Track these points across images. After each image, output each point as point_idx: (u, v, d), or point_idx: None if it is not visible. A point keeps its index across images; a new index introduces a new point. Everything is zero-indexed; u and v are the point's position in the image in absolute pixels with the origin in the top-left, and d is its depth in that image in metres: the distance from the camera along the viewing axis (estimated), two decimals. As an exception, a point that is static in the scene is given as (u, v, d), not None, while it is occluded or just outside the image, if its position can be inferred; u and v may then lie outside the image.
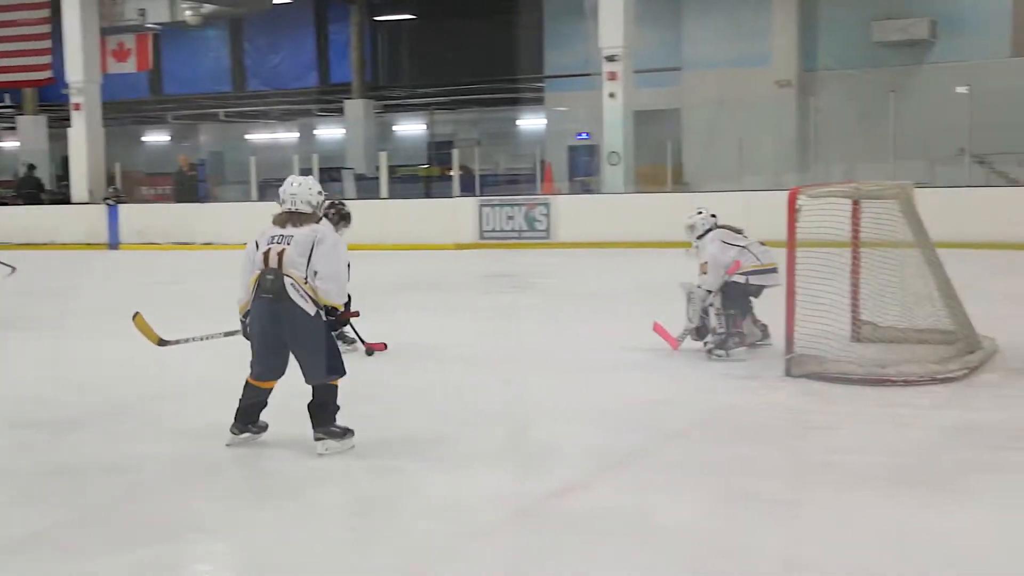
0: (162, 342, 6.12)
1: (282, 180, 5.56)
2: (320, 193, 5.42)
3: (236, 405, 5.43)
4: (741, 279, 7.68)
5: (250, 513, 4.55)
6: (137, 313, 6.11)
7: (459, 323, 10.02)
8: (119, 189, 21.91)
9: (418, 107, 29.99)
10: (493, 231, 18.77)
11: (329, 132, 30.95)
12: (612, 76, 19.12)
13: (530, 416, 6.23)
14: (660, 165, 19.83)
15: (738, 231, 7.92)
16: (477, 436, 5.71)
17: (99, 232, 21.19)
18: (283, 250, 5.22)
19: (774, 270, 7.65)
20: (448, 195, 20.51)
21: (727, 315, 7.69)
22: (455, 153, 21.24)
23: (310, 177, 5.58)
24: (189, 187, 22.58)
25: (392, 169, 21.70)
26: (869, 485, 4.66)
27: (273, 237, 5.28)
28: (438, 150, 26.17)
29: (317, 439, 5.28)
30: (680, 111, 23.38)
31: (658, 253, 15.38)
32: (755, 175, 18.40)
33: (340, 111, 29.22)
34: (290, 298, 5.17)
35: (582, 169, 22.64)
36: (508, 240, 18.55)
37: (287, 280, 5.18)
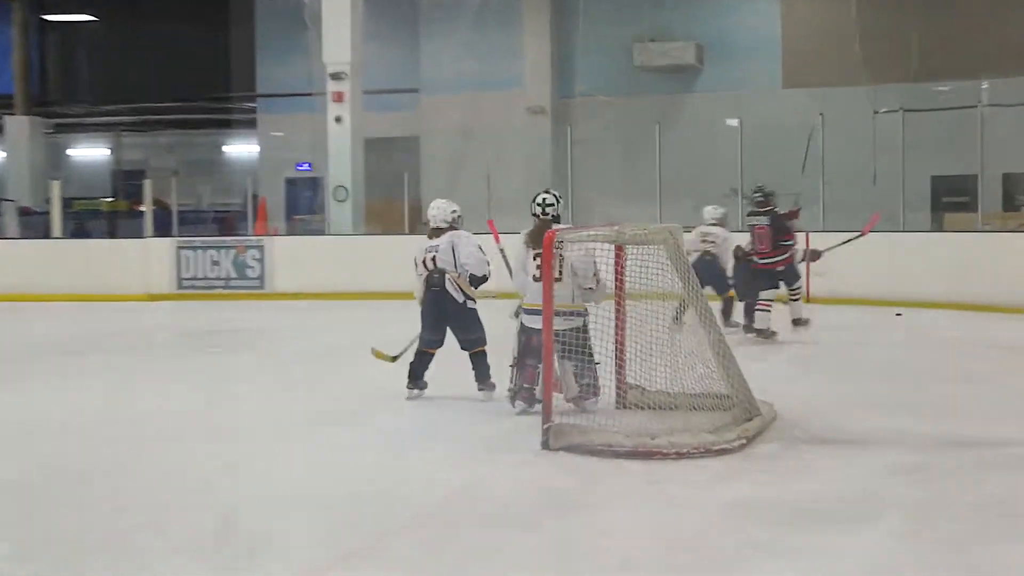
0: (395, 358, 9.16)
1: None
2: (454, 212, 8.75)
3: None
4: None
5: None
6: (373, 349, 9.28)
7: (153, 391, 9.68)
8: None
9: (101, 127, 29.06)
10: (194, 279, 18.33)
11: (-17, 155, 29.50)
12: (338, 97, 19.16)
13: (240, 502, 6.03)
14: (395, 201, 19.96)
15: None
16: (177, 526, 5.48)
17: None
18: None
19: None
20: (139, 235, 19.83)
21: (515, 367, 8.05)
22: (147, 184, 20.55)
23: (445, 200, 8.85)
24: None
25: (67, 202, 20.92)
26: (638, 574, 4.72)
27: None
28: (126, 180, 25.46)
29: (480, 390, 8.60)
30: (419, 139, 23.68)
31: (394, 305, 15.42)
32: (505, 214, 18.81)
33: (-1, 129, 27.94)
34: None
35: (303, 206, 22.54)
36: (213, 290, 18.20)
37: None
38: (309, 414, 8.49)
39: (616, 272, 7.92)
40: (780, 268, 11.95)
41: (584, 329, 8.01)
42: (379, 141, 21.03)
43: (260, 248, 18.35)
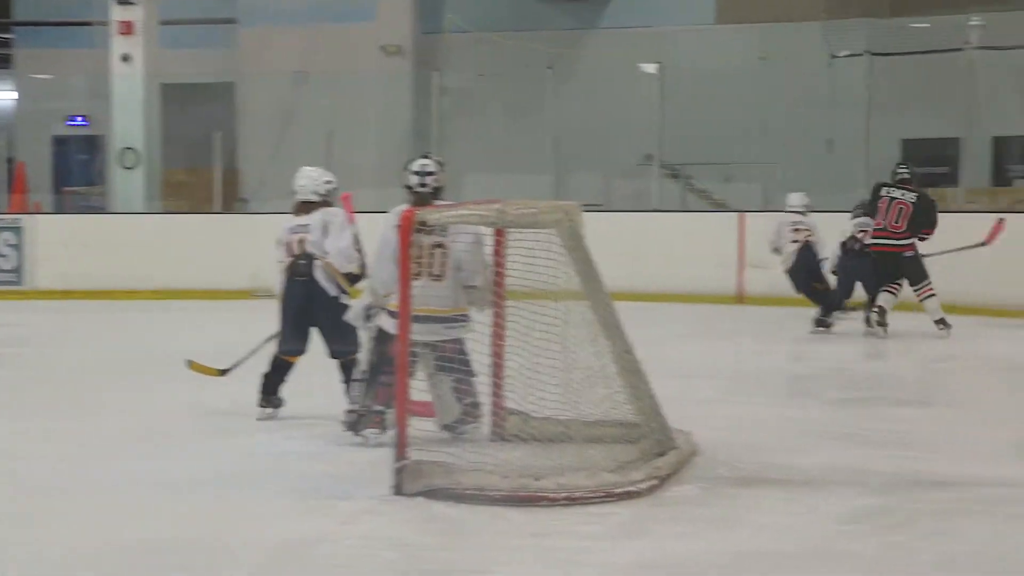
0: (223, 371, 9.50)
1: None
2: (328, 182, 9.13)
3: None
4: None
5: None
6: (190, 362, 9.49)
7: None
8: None
9: None
10: (-74, 270, 18.02)
11: None
12: (125, 28, 19.01)
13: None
14: (204, 170, 19.82)
15: None
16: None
17: None
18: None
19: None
20: None
21: (364, 383, 8.17)
22: None
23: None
24: None
25: None
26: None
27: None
28: None
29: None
30: (234, 86, 23.51)
31: (203, 307, 15.30)
32: (352, 186, 18.80)
33: None
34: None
35: (77, 174, 22.23)
36: (-51, 285, 17.92)
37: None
38: (98, 446, 8.55)
39: (495, 264, 8.02)
40: (908, 255, 13.59)
41: (464, 338, 8.16)
42: (181, 88, 20.90)
43: (16, 230, 18.16)
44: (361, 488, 7.21)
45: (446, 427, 8.09)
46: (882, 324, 13.50)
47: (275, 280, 9.07)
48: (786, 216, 14.51)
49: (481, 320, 8.04)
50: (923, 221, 13.64)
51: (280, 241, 8.98)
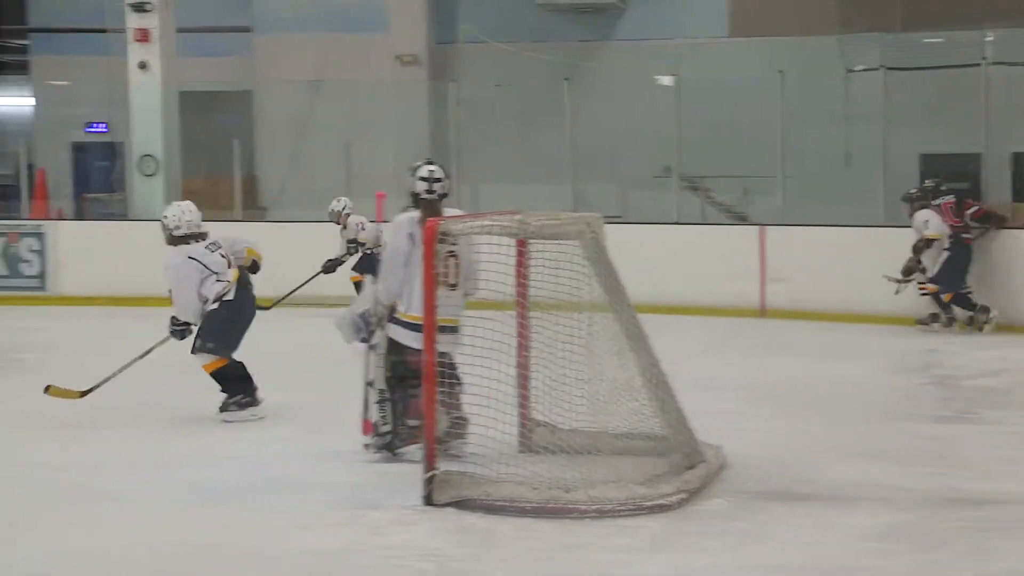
0: (83, 393, 9.77)
1: None
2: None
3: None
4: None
5: None
6: (48, 386, 9.74)
7: None
8: None
9: None
10: (-53, 276, 18.05)
11: None
12: (143, 35, 18.97)
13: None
14: (222, 178, 19.83)
15: None
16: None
17: None
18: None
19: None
20: None
21: (388, 401, 8.06)
22: None
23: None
24: None
25: None
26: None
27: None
28: None
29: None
30: (252, 94, 23.52)
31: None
32: (370, 195, 18.79)
33: None
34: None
35: (97, 180, 22.23)
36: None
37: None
38: (134, 453, 8.65)
39: (517, 275, 7.99)
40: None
41: None
42: (199, 96, 20.87)
43: (39, 236, 18.12)
44: (391, 498, 7.23)
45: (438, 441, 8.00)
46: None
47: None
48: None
49: (505, 331, 7.95)
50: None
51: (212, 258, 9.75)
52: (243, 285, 9.81)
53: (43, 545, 6.58)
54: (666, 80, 19.23)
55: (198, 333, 9.65)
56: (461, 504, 6.96)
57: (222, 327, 9.66)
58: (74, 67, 23.96)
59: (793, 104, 18.11)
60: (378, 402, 8.16)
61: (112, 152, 22.09)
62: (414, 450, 7.83)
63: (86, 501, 7.44)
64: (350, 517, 6.99)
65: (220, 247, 9.80)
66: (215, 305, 9.60)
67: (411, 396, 7.99)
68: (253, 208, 20.96)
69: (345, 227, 14.69)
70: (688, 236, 16.60)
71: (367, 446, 8.17)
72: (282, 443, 8.83)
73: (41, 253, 17.98)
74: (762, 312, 14.01)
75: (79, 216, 20.91)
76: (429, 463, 7.10)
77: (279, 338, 12.60)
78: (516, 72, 22.09)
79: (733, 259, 15.67)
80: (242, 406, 9.63)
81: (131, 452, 8.76)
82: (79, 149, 23.38)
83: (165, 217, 9.89)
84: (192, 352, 9.68)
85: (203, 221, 9.86)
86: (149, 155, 18.93)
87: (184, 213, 9.81)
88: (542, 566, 6.15)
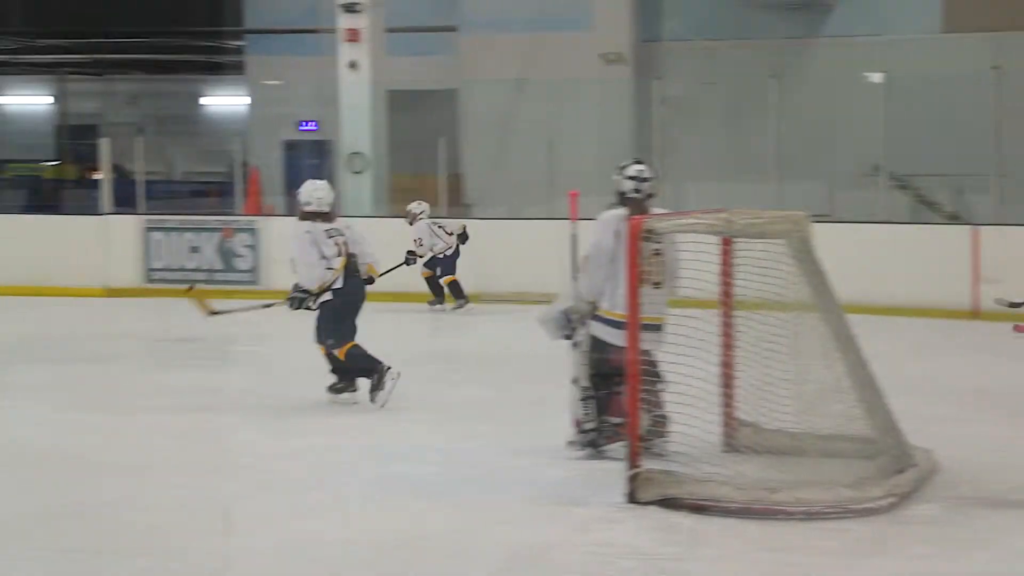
0: (213, 312, 10.97)
1: None
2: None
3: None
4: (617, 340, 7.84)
5: None
6: (191, 286, 11.17)
7: (116, 420, 9.87)
8: None
9: (38, 68, 29.27)
10: (167, 270, 18.49)
11: None
12: (352, 36, 19.24)
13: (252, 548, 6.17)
14: (428, 176, 20.01)
15: None
16: None
17: None
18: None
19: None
20: (93, 211, 20.03)
21: (592, 398, 8.03)
22: (104, 144, 20.82)
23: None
24: None
25: (-2, 166, 21.14)
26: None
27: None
28: (75, 138, 25.60)
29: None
30: (457, 93, 23.72)
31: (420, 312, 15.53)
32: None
33: None
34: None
35: (307, 177, 22.53)
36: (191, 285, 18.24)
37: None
38: (347, 447, 8.84)
39: (723, 274, 7.96)
40: None
41: None
42: (406, 94, 21.11)
43: (253, 231, 18.47)
44: (595, 495, 7.23)
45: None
46: None
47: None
48: None
49: (709, 330, 7.88)
50: None
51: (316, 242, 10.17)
52: (351, 273, 10.20)
53: (273, 534, 6.73)
54: (875, 77, 18.91)
55: (316, 325, 10.20)
56: (665, 503, 6.93)
57: (335, 319, 10.13)
58: (286, 67, 24.49)
59: (1009, 101, 17.67)
60: (582, 399, 8.15)
61: (322, 150, 22.43)
62: (617, 447, 7.77)
63: (299, 491, 7.59)
64: (554, 513, 7.02)
65: (340, 235, 10.24)
66: (328, 296, 10.10)
67: (614, 394, 7.97)
68: (458, 205, 21.11)
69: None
70: (897, 235, 16.31)
71: (571, 443, 8.16)
72: (483, 438, 8.87)
73: (254, 248, 18.32)
74: (974, 314, 13.62)
75: (290, 212, 21.23)
76: (633, 461, 7.09)
77: (479, 333, 12.68)
78: (722, 69, 22.03)
79: (944, 259, 15.36)
80: (337, 391, 10.24)
81: (339, 443, 8.93)
82: (290, 147, 23.82)
83: (300, 192, 10.57)
84: (316, 342, 10.27)
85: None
86: (358, 152, 19.20)
87: (316, 191, 10.45)
88: (748, 567, 6.11)
